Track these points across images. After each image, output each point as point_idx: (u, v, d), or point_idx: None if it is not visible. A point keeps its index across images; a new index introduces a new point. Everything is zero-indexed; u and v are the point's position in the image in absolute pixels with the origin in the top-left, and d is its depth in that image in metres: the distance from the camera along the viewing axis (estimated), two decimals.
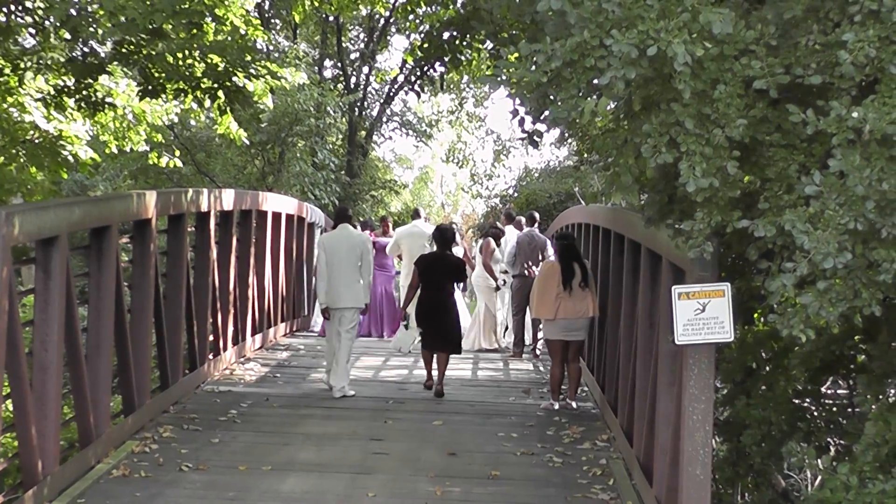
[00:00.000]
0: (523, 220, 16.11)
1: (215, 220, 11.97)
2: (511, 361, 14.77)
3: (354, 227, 12.93)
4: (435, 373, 12.09)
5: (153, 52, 11.81)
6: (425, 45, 13.09)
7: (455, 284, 12.56)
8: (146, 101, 14.41)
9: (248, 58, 12.41)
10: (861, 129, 5.22)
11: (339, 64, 31.16)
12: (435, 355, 12.11)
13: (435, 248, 12.72)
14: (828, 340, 8.26)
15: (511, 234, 15.80)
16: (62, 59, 12.97)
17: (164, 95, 12.60)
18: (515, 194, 33.04)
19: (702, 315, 6.40)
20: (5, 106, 13.89)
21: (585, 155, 21.81)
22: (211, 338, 12.10)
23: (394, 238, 16.43)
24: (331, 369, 11.86)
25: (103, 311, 8.64)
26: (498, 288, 15.59)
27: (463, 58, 13.03)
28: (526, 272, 14.64)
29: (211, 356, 12.07)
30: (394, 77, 32.03)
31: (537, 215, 15.95)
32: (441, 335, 12.07)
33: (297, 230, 16.83)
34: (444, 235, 12.46)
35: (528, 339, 15.39)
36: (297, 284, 16.86)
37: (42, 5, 11.69)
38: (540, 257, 14.68)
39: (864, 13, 5.34)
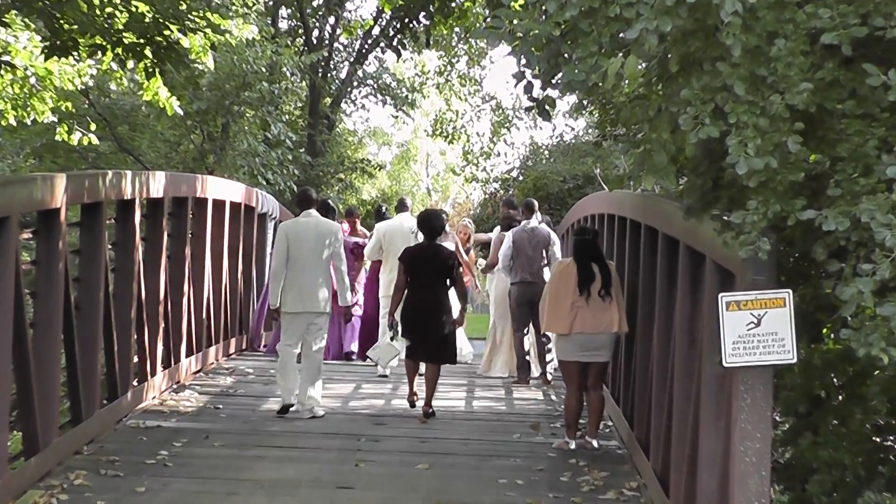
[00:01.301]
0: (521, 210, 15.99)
1: (141, 211, 11.93)
2: (515, 389, 14.76)
3: (325, 214, 12.98)
4: (421, 393, 12.21)
5: None
6: None
7: (448, 281, 12.58)
8: (53, 60, 14.36)
9: (183, 6, 12.39)
10: None
11: (299, 14, 31.19)
12: (423, 367, 12.25)
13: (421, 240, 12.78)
14: None
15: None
16: None
17: (76, 53, 12.57)
18: (520, 178, 33.14)
19: (756, 330, 6.40)
20: None
21: (608, 128, 21.81)
22: (136, 359, 12.09)
23: (374, 238, 15.85)
24: (287, 391, 11.97)
25: None
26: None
27: (454, 5, 13.03)
28: (528, 277, 14.60)
29: (136, 382, 12.05)
30: (367, 30, 32.05)
31: (536, 203, 15.75)
32: (432, 343, 12.16)
33: (246, 223, 16.81)
34: (430, 222, 12.54)
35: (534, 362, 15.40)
36: (244, 292, 16.83)
37: None
38: (544, 258, 14.63)
39: None
